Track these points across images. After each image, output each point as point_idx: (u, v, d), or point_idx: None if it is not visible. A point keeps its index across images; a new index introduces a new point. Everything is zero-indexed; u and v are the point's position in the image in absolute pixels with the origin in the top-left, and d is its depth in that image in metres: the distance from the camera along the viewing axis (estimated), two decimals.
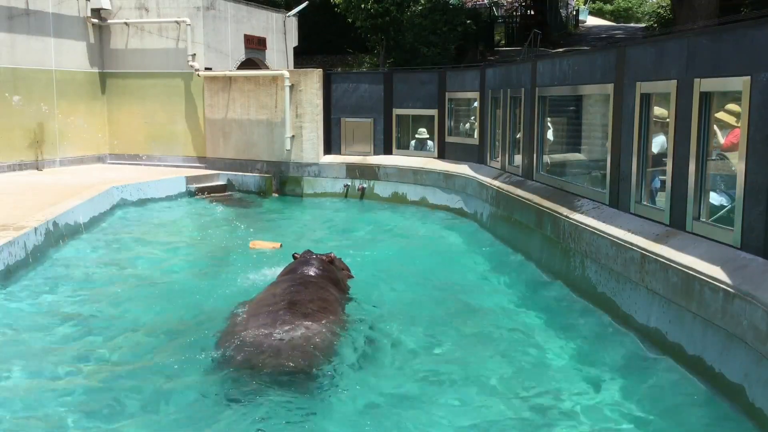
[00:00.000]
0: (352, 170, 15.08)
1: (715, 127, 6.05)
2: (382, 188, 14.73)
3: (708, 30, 6.20)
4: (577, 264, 7.73)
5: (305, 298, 6.58)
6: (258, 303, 6.64)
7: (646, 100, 6.89)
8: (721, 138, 6.10)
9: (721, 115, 5.97)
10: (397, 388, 5.60)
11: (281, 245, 10.22)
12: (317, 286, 7.04)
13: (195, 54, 16.15)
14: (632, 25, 37.22)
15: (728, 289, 4.98)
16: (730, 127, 5.90)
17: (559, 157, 10.43)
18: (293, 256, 7.87)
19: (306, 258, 7.71)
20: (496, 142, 12.15)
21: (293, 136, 15.30)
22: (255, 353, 5.60)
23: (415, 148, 14.87)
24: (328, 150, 15.50)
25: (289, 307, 6.27)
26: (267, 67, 18.71)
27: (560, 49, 22.09)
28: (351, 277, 8.16)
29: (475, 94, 13.24)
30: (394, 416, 5.13)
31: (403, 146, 15.08)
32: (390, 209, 14.00)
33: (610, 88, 7.65)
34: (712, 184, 6.08)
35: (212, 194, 14.99)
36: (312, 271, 7.39)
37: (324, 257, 7.78)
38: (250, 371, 5.45)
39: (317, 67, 16.39)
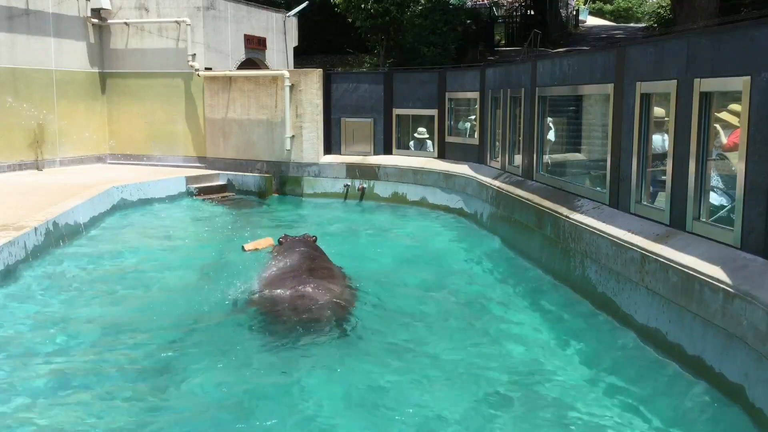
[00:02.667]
0: (352, 170, 15.08)
1: (718, 127, 6.06)
2: (382, 188, 14.73)
3: (708, 30, 6.21)
4: (577, 264, 7.74)
5: (318, 266, 7.80)
6: (277, 274, 7.66)
7: (646, 100, 6.89)
8: (724, 138, 6.10)
9: (723, 115, 5.97)
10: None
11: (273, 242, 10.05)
12: (321, 259, 8.29)
13: (195, 54, 16.14)
14: (632, 25, 37.21)
15: (728, 289, 4.98)
16: (733, 127, 5.90)
17: (559, 157, 10.43)
18: (279, 240, 8.86)
19: (296, 239, 8.77)
20: (496, 142, 12.15)
21: (293, 136, 15.30)
22: (289, 308, 6.82)
23: (415, 147, 14.87)
24: (328, 150, 15.50)
25: (308, 273, 7.45)
26: (267, 67, 18.70)
27: (560, 49, 22.09)
28: None
29: (475, 94, 13.24)
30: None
31: (403, 146, 15.08)
32: (390, 209, 14.01)
33: (610, 88, 7.65)
34: (712, 184, 6.08)
35: (212, 194, 14.98)
36: (310, 249, 8.46)
37: (308, 238, 8.88)
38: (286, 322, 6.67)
39: (317, 67, 16.39)
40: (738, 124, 5.60)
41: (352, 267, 8.59)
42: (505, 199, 10.41)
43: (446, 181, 13.49)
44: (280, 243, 8.80)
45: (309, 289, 7.09)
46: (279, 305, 6.92)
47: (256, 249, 9.77)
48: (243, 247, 9.94)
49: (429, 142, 14.67)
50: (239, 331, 6.80)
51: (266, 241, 10.01)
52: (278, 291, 7.17)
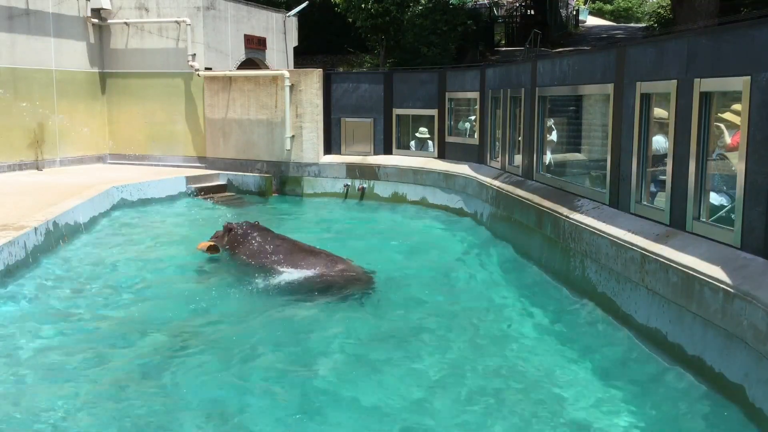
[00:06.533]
0: (352, 170, 15.08)
1: (722, 126, 6.05)
2: (382, 188, 14.73)
3: (708, 30, 6.20)
4: (577, 264, 7.73)
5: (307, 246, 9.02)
6: (287, 253, 8.73)
7: (646, 100, 6.89)
8: (728, 138, 6.09)
9: (727, 115, 5.96)
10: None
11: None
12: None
13: (195, 54, 16.14)
14: (632, 25, 37.20)
15: (728, 289, 4.98)
16: (737, 127, 5.89)
17: (559, 157, 10.43)
18: (228, 227, 9.66)
19: (250, 223, 9.70)
20: (496, 142, 12.15)
21: (293, 136, 15.30)
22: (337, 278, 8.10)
23: (416, 147, 14.87)
24: (328, 150, 15.49)
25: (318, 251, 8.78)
26: (267, 67, 18.70)
27: (561, 49, 22.09)
28: None
29: (475, 94, 13.24)
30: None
31: (403, 146, 15.08)
32: (390, 209, 14.01)
33: (610, 88, 7.65)
34: (712, 184, 6.08)
35: (212, 194, 14.98)
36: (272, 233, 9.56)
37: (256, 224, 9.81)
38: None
39: (317, 67, 16.39)
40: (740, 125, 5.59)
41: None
42: (505, 199, 10.41)
43: (446, 181, 13.49)
44: (230, 231, 9.53)
45: (343, 264, 8.38)
46: (320, 280, 8.02)
47: (210, 251, 9.60)
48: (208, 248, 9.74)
49: (430, 142, 14.66)
50: (265, 316, 7.25)
51: (205, 244, 9.76)
52: (314, 267, 8.22)
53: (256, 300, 7.74)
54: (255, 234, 9.40)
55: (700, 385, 5.29)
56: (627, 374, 5.81)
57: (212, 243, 9.64)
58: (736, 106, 5.80)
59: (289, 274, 8.20)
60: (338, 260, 8.52)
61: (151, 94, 16.63)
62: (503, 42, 31.04)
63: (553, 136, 10.23)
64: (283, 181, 15.64)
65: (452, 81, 14.13)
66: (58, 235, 9.71)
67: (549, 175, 9.74)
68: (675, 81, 6.24)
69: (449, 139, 14.28)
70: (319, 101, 15.18)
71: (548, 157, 10.08)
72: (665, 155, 6.58)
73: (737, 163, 5.38)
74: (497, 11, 32.53)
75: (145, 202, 13.59)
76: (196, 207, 14.09)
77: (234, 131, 16.05)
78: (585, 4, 40.71)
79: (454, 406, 5.36)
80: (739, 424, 4.78)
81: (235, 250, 9.31)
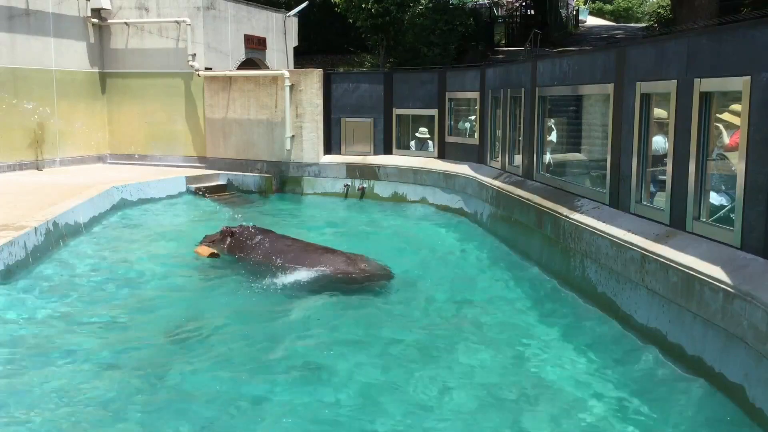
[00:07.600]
0: (352, 170, 15.08)
1: (721, 127, 6.05)
2: (382, 188, 14.73)
3: (708, 30, 6.21)
4: (577, 264, 7.73)
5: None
6: (304, 252, 8.78)
7: (646, 100, 6.89)
8: (727, 138, 6.09)
9: (726, 116, 5.97)
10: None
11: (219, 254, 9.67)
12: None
13: (195, 54, 16.14)
14: (632, 25, 37.21)
15: (728, 289, 4.98)
16: (735, 127, 5.89)
17: (559, 157, 10.43)
18: (225, 231, 9.66)
19: (251, 226, 9.72)
20: (496, 142, 12.15)
21: (293, 136, 15.30)
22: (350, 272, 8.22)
23: (416, 147, 14.87)
24: (328, 150, 15.50)
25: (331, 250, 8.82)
26: (267, 67, 18.71)
27: (560, 49, 22.08)
28: None
29: (475, 94, 13.24)
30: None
31: (404, 146, 15.08)
32: (390, 209, 14.01)
33: (610, 88, 7.65)
34: (712, 184, 6.08)
35: (212, 194, 14.98)
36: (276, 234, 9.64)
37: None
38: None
39: (317, 67, 16.39)
40: (739, 125, 5.59)
41: None
42: (505, 199, 10.41)
43: (446, 181, 13.49)
44: (231, 233, 9.52)
45: (363, 261, 8.46)
46: (344, 275, 8.15)
47: (202, 255, 9.61)
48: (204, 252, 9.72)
49: (430, 142, 14.66)
50: (281, 312, 7.34)
51: (204, 249, 9.77)
52: (333, 265, 8.29)
53: (273, 299, 7.72)
54: (260, 235, 9.33)
55: (699, 385, 5.29)
56: (627, 374, 5.80)
57: (211, 248, 9.58)
58: (734, 106, 5.81)
59: (309, 273, 8.18)
60: (357, 257, 8.53)
61: (151, 94, 16.64)
62: (503, 42, 31.02)
63: (553, 136, 10.23)
64: (283, 181, 15.64)
65: (452, 81, 14.13)
66: (58, 235, 9.71)
67: (549, 175, 9.74)
68: (675, 81, 6.24)
69: (449, 139, 14.28)
70: (319, 101, 15.18)
71: (548, 157, 10.08)
72: (665, 155, 6.58)
73: (737, 163, 5.38)
74: (497, 11, 32.52)
75: (145, 202, 13.59)
76: (196, 207, 14.10)
77: (234, 131, 16.05)
78: (585, 4, 40.72)
79: (466, 403, 5.37)
80: (739, 424, 4.79)
81: (242, 253, 9.19)
